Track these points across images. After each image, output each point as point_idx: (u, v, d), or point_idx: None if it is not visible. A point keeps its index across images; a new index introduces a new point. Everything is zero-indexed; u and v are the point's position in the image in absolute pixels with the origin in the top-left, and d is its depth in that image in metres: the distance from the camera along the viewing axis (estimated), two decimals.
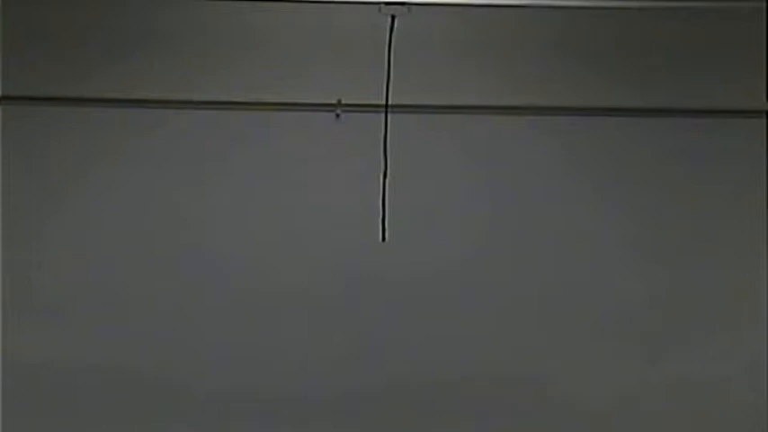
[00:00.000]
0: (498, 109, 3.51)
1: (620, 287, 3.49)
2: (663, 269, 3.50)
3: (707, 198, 3.53)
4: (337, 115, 3.50)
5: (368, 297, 3.47)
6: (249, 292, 3.46)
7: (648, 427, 3.45)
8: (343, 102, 3.49)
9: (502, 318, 3.48)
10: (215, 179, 3.50)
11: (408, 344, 3.46)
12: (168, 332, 3.44)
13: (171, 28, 3.52)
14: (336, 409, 3.44)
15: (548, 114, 3.51)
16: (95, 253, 3.47)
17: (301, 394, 3.44)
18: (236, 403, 3.44)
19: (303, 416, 3.44)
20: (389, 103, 3.43)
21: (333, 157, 3.50)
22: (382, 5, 3.28)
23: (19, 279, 3.44)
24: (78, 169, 3.50)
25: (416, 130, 3.48)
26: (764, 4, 3.39)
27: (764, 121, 3.52)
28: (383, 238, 3.41)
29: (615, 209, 3.52)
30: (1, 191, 3.44)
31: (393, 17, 3.34)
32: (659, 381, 3.47)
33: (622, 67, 3.54)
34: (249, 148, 3.51)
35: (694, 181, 3.53)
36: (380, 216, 3.42)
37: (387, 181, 3.42)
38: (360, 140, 3.46)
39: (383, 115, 3.44)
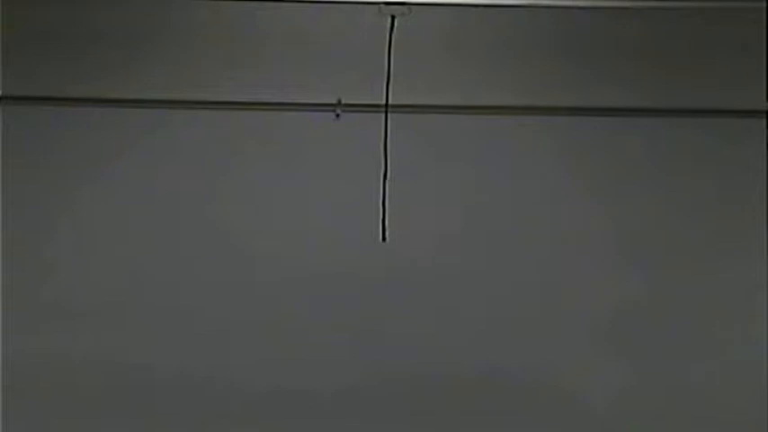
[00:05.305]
0: (498, 109, 3.51)
1: (621, 286, 3.49)
2: (663, 268, 3.50)
3: (707, 198, 3.53)
4: (337, 115, 3.50)
5: (368, 297, 3.47)
6: (248, 292, 3.46)
7: (648, 427, 3.45)
8: (343, 102, 3.49)
9: (501, 316, 3.48)
10: (215, 179, 3.50)
11: (408, 343, 3.46)
12: (169, 331, 3.44)
13: (171, 28, 3.53)
14: (336, 407, 3.44)
15: (547, 114, 3.52)
16: (95, 252, 3.47)
17: (301, 392, 3.44)
18: (236, 400, 3.44)
19: (304, 412, 3.44)
20: (389, 103, 3.43)
21: (333, 157, 3.51)
22: (382, 5, 3.28)
23: (19, 278, 3.44)
24: (78, 169, 3.50)
25: (416, 130, 3.48)
26: (764, 4, 3.39)
27: (764, 121, 3.52)
28: (383, 238, 3.41)
29: (615, 209, 3.52)
30: (1, 191, 3.45)
31: (393, 17, 3.34)
32: (659, 380, 3.47)
33: (622, 67, 3.54)
34: (249, 148, 3.51)
35: (694, 181, 3.53)
36: (380, 216, 3.42)
37: (387, 181, 3.43)
38: (360, 140, 3.46)
39: (383, 115, 3.44)
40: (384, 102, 3.43)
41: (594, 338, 3.48)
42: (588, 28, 3.53)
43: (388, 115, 3.44)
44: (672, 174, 3.53)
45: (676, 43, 3.54)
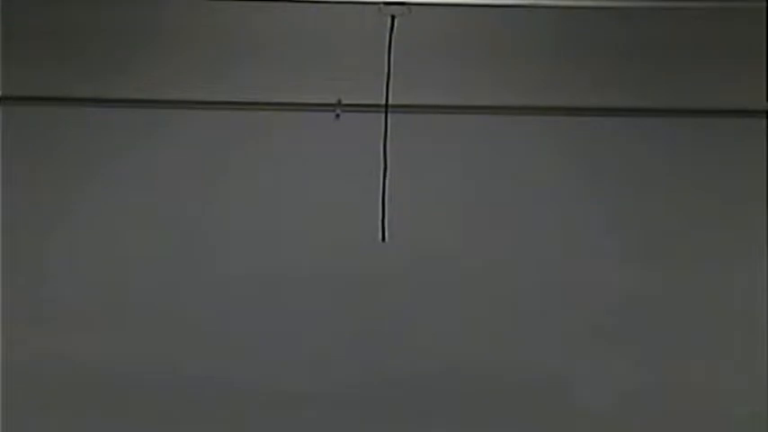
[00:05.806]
0: (499, 109, 3.51)
1: (621, 286, 3.49)
2: (663, 268, 3.50)
3: (707, 198, 3.53)
4: (337, 115, 3.50)
5: (368, 297, 3.47)
6: (248, 292, 3.46)
7: (649, 427, 3.45)
8: (343, 102, 3.49)
9: (501, 316, 3.48)
10: (215, 179, 3.50)
11: (408, 343, 3.46)
12: (170, 331, 3.44)
13: (171, 28, 3.53)
14: (336, 407, 3.44)
15: (548, 114, 3.52)
16: (96, 253, 3.47)
17: (302, 392, 3.44)
18: (236, 400, 3.44)
19: (304, 412, 3.44)
20: (389, 103, 3.43)
21: (333, 157, 3.50)
22: (382, 5, 3.28)
23: (19, 279, 3.44)
24: (78, 169, 3.50)
25: (416, 130, 3.48)
26: (764, 4, 3.39)
27: (764, 121, 3.52)
28: (383, 238, 3.41)
29: (615, 209, 3.52)
30: (1, 191, 3.45)
31: (393, 17, 3.35)
32: (659, 380, 3.47)
33: (622, 67, 3.54)
34: (249, 148, 3.51)
35: (694, 181, 3.53)
36: (380, 216, 3.42)
37: (387, 181, 3.42)
38: (360, 140, 3.46)
39: (383, 115, 3.44)
40: (384, 102, 3.43)
41: (594, 338, 3.48)
42: (588, 28, 3.54)
43: (388, 115, 3.44)
44: (672, 174, 3.53)
45: (676, 43, 3.54)
